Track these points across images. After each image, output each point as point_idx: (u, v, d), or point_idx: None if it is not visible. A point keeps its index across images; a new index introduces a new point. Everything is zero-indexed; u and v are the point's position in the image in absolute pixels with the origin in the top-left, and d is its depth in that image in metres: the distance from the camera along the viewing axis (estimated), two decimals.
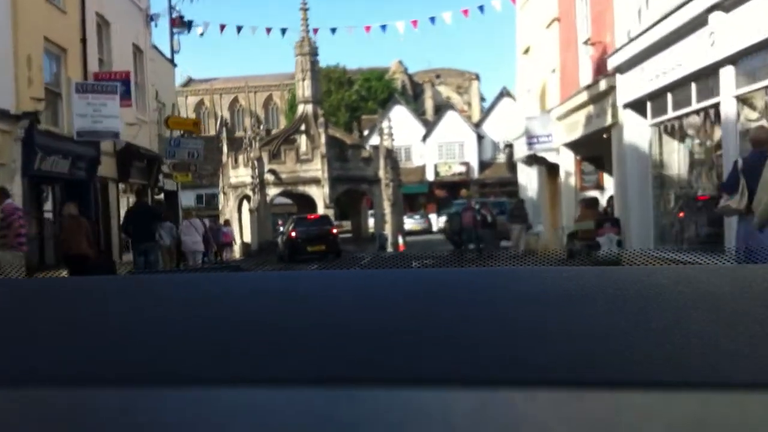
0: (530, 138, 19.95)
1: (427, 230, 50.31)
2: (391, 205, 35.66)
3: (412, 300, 1.17)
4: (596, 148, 18.11)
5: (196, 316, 1.10)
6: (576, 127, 17.80)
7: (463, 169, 56.76)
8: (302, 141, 37.11)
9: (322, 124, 34.45)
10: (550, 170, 20.88)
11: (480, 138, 57.11)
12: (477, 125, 57.43)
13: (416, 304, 1.13)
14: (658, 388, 0.71)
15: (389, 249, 34.65)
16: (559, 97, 19.24)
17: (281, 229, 29.91)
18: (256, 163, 34.17)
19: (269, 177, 34.39)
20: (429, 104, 62.07)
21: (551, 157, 19.73)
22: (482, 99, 61.47)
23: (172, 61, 26.99)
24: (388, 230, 35.18)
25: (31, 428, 0.68)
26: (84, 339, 0.99)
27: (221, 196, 37.65)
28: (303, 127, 37.48)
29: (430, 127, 58.15)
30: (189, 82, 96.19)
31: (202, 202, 54.26)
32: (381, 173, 35.47)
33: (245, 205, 35.96)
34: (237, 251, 36.17)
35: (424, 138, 57.33)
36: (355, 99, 69.68)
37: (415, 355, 0.83)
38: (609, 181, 18.55)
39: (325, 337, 0.92)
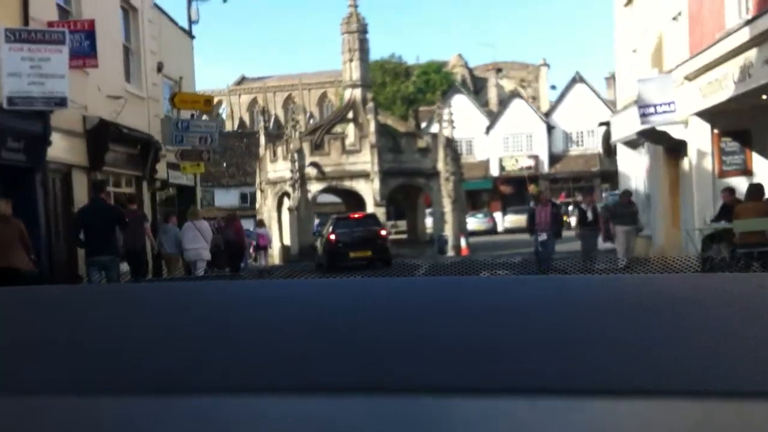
0: (644, 108, 14.62)
1: (492, 230, 45.00)
2: (452, 202, 30.66)
3: (397, 308, 1.17)
4: (744, 118, 12.84)
5: (189, 324, 1.11)
6: (717, 89, 12.56)
7: (531, 162, 51.28)
8: (349, 130, 32.42)
9: (372, 109, 29.63)
10: (671, 151, 15.60)
11: (550, 128, 51.57)
12: (546, 114, 51.87)
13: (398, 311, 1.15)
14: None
15: (450, 252, 29.82)
16: (688, 50, 13.99)
17: (321, 230, 25.14)
18: (296, 155, 29.59)
19: (311, 171, 29.78)
20: (492, 93, 56.68)
21: (676, 132, 14.42)
22: (552, 87, 55.91)
23: (189, 32, 22.49)
24: (448, 231, 30.22)
25: None
26: (80, 348, 0.99)
27: (258, 194, 33.21)
28: (350, 115, 32.76)
29: (494, 117, 52.82)
30: (242, 80, 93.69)
31: (247, 201, 50.53)
32: (440, 165, 30.49)
33: (286, 203, 31.46)
34: (275, 256, 31.77)
35: (488, 129, 52.02)
36: (412, 91, 65.05)
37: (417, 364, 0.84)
38: (761, 164, 13.27)
39: (320, 347, 0.93)
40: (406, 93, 64.19)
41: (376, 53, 73.45)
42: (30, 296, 1.60)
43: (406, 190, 32.27)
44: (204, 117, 19.54)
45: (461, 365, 0.82)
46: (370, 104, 29.77)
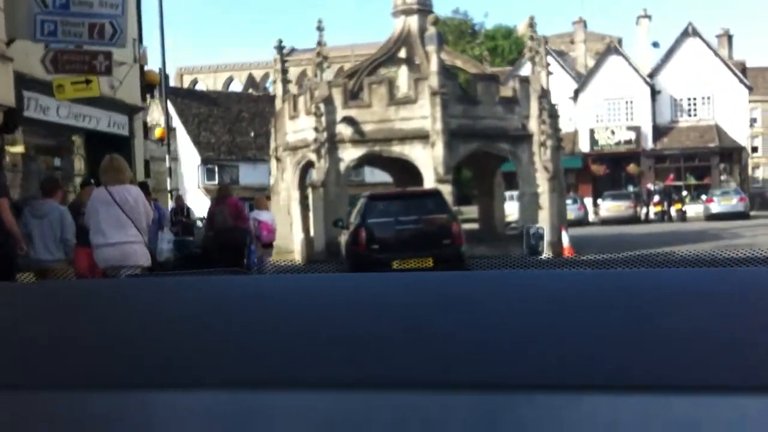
0: None
1: (582, 220, 34.83)
2: (549, 179, 21.00)
3: (397, 305, 1.15)
4: None
5: (194, 319, 1.10)
6: None
7: (630, 135, 41.01)
8: (400, 74, 23.00)
9: (434, 38, 20.07)
10: None
11: (654, 93, 41.17)
12: (650, 76, 41.41)
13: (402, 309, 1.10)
14: None
15: (546, 253, 20.22)
16: None
17: (347, 219, 15.51)
18: (322, 107, 20.33)
19: (345, 130, 20.49)
20: (580, 50, 46.30)
21: None
22: (654, 44, 45.26)
23: None
24: (543, 222, 20.57)
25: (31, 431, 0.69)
26: (83, 343, 0.99)
27: (273, 165, 24.01)
28: (402, 54, 23.29)
29: (583, 79, 42.65)
30: (291, 51, 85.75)
31: None
32: (533, 124, 20.85)
33: (313, 177, 22.28)
34: (297, 252, 22.67)
35: (576, 94, 41.87)
36: (479, 54, 55.57)
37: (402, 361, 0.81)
38: None
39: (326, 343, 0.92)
40: (472, 55, 54.73)
41: (437, 10, 64.38)
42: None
43: (481, 160, 22.67)
44: None
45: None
46: (431, 30, 20.18)
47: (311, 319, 1.04)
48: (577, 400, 0.71)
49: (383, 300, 1.18)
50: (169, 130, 41.98)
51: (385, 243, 12.03)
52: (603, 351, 0.83)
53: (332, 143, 20.45)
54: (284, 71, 23.29)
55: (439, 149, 19.61)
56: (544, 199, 20.93)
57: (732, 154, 40.73)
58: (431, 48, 19.89)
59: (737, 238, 23.66)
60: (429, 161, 19.78)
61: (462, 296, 1.16)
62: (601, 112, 41.40)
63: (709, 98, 40.82)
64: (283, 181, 23.06)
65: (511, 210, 27.08)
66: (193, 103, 42.40)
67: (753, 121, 54.73)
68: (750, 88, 40.79)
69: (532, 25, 21.21)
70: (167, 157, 21.98)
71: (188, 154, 40.82)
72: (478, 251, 18.26)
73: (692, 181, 40.20)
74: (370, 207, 12.81)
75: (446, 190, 19.31)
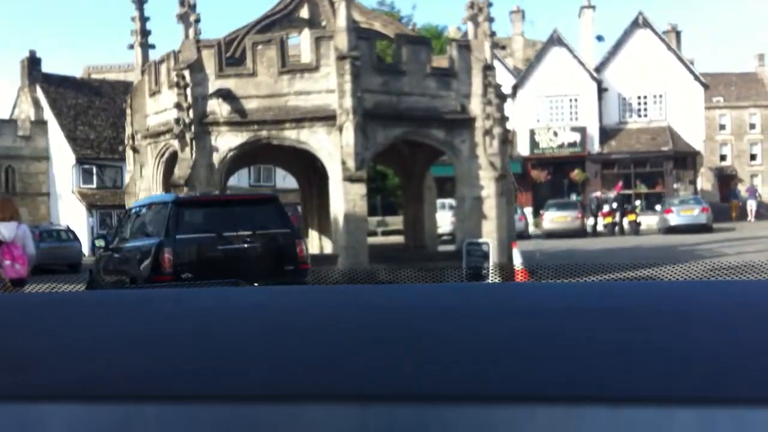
0: None
1: (523, 233, 29.67)
2: (496, 179, 15.74)
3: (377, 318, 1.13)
4: None
5: (184, 331, 1.09)
6: None
7: (575, 137, 36.38)
8: (301, 39, 17.47)
9: None
10: None
11: (601, 90, 36.69)
12: (597, 71, 36.91)
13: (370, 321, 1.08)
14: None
15: (492, 276, 14.94)
16: None
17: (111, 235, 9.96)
18: (186, 75, 14.64)
19: (219, 107, 14.83)
20: (518, 43, 41.57)
21: None
22: (598, 38, 40.91)
23: None
24: (489, 236, 15.29)
25: None
26: (62, 355, 0.97)
27: (128, 157, 18.09)
28: (305, 13, 17.76)
29: (523, 74, 37.89)
30: None
31: None
32: (475, 105, 15.58)
33: (174, 174, 16.41)
34: None
35: (515, 90, 37.00)
36: None
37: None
38: None
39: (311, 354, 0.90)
40: None
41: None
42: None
43: (407, 153, 17.28)
44: None
45: None
46: None
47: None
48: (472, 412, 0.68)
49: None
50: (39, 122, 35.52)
51: (201, 270, 7.26)
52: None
53: (201, 126, 14.76)
54: (144, 33, 17.36)
55: (350, 135, 14.14)
56: (490, 206, 15.66)
57: (686, 159, 36.51)
58: None
59: (722, 257, 18.91)
60: (336, 151, 14.30)
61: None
62: (543, 111, 36.66)
63: (661, 96, 36.59)
64: (142, 180, 17.18)
65: (445, 220, 21.79)
66: (70, 92, 35.83)
67: None
68: (706, 86, 36.74)
69: (475, 14, 15.92)
70: None
71: (61, 152, 34.29)
72: (401, 273, 12.84)
73: (643, 188, 35.79)
74: (178, 217, 7.85)
75: (359, 191, 13.92)
